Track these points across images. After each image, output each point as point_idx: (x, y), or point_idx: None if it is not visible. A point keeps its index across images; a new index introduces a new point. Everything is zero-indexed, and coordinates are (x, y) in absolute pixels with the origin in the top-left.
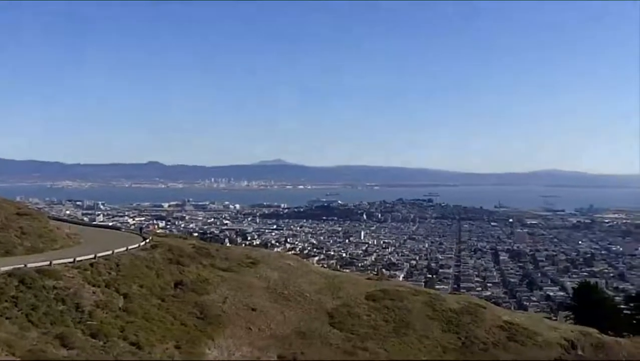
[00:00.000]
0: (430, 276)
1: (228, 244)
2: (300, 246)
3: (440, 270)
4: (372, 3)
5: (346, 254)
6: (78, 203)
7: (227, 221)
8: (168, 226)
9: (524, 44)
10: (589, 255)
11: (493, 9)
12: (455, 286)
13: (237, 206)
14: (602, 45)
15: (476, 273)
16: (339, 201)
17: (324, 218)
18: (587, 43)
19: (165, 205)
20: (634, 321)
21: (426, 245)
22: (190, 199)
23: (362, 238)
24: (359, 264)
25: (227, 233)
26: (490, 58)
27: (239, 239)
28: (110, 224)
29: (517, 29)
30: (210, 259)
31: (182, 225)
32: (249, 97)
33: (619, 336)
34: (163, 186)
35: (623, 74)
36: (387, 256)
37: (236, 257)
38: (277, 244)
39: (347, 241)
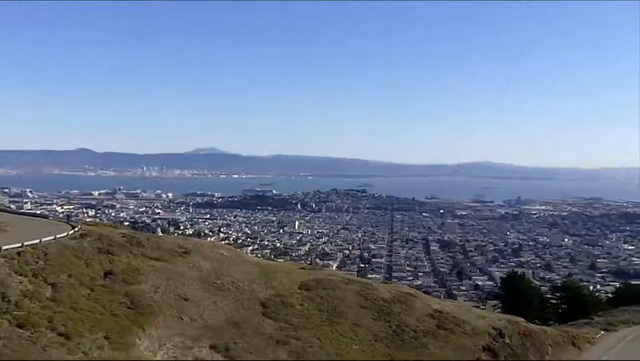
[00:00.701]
0: (362, 265)
1: (160, 234)
2: (234, 236)
3: (373, 260)
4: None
5: (280, 244)
6: (5, 190)
7: (159, 210)
8: (98, 215)
9: (457, 39)
10: (516, 246)
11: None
12: (387, 275)
13: (170, 195)
14: (527, 42)
15: (408, 262)
16: (274, 191)
17: (259, 207)
18: (516, 39)
19: (95, 193)
20: (560, 310)
21: (359, 235)
22: (122, 188)
23: (296, 227)
24: (293, 254)
25: (159, 222)
26: (424, 51)
27: (171, 229)
28: (38, 212)
29: (454, 31)
30: (142, 249)
31: (113, 214)
32: (183, 85)
33: (545, 324)
34: (93, 174)
35: (547, 68)
36: (320, 246)
37: (168, 246)
38: (211, 233)
39: (281, 231)
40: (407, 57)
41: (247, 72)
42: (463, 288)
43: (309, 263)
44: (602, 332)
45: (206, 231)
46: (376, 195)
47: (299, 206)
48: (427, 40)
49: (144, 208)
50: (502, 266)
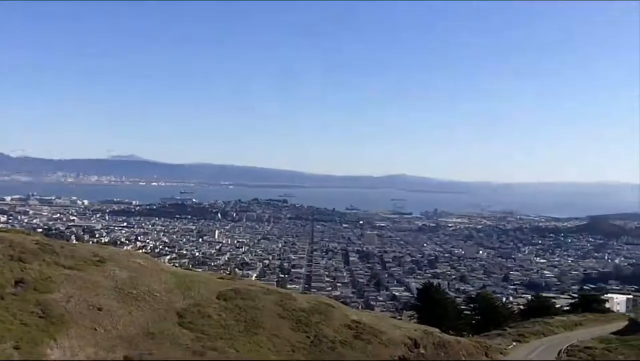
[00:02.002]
0: (282, 275)
1: (74, 242)
2: (151, 245)
3: (293, 270)
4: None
5: (199, 253)
6: None
7: (74, 218)
8: (10, 221)
9: (372, 46)
10: (433, 257)
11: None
12: (307, 285)
13: (86, 201)
14: (443, 58)
15: (327, 273)
16: (194, 199)
17: (178, 216)
18: (433, 52)
19: (7, 198)
20: (473, 321)
21: (280, 245)
22: (35, 193)
23: (216, 237)
24: (212, 264)
25: (73, 229)
26: (341, 61)
27: (86, 237)
28: None
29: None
30: (55, 257)
31: (26, 220)
32: (102, 89)
33: (460, 335)
34: (7, 178)
35: (460, 83)
36: (240, 256)
37: (82, 255)
38: (127, 242)
39: (200, 240)
40: (329, 67)
41: (167, 78)
42: (381, 298)
43: (228, 272)
44: (514, 343)
45: (123, 240)
46: (297, 205)
47: (219, 215)
48: (344, 51)
49: (58, 215)
50: (418, 277)
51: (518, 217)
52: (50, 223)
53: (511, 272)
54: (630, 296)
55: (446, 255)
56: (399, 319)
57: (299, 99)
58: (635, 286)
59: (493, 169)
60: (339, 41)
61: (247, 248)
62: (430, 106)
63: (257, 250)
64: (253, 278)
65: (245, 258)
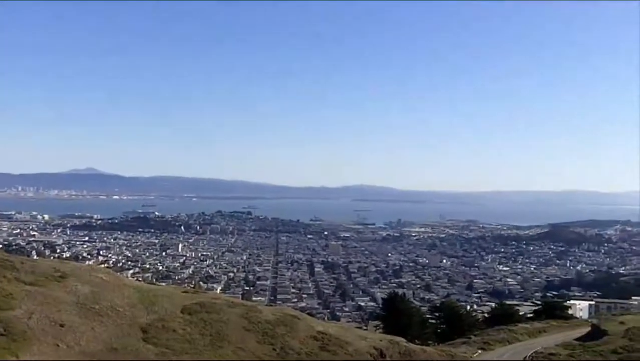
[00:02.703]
0: (247, 288)
1: (35, 257)
2: (114, 259)
3: (258, 282)
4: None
5: (163, 267)
6: None
7: (34, 233)
8: None
9: (327, 52)
10: (397, 267)
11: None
12: (272, 297)
13: (46, 216)
14: (402, 64)
15: (292, 284)
16: (156, 213)
17: (140, 229)
18: (392, 60)
19: None
20: (439, 330)
21: (244, 257)
22: None
23: (179, 250)
24: (176, 277)
25: (34, 244)
26: (294, 71)
27: (47, 252)
28: None
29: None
30: (15, 273)
31: None
32: (60, 101)
33: (425, 344)
34: None
35: (419, 90)
36: (205, 269)
37: (43, 270)
38: (89, 257)
39: (164, 253)
40: (289, 76)
41: (124, 90)
42: (346, 309)
43: (192, 286)
44: (479, 351)
45: (84, 254)
46: (261, 217)
47: (182, 228)
48: (300, 59)
49: (18, 230)
50: (383, 287)
51: (480, 225)
52: (10, 238)
53: (475, 280)
54: (593, 302)
55: (410, 264)
56: (365, 329)
57: (258, 111)
58: (597, 293)
59: (454, 178)
60: (293, 52)
61: (211, 260)
62: (388, 115)
63: (222, 263)
64: (218, 291)
65: (209, 271)
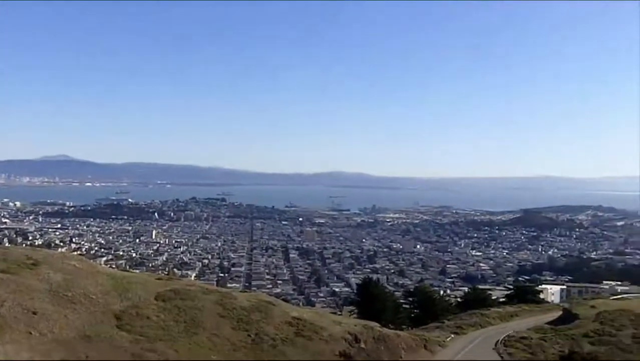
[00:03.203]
0: (222, 274)
1: (7, 244)
2: (86, 246)
3: (233, 269)
4: None
5: (136, 254)
6: None
7: (6, 220)
8: None
9: (300, 42)
10: (372, 253)
11: None
12: (247, 284)
13: (18, 203)
14: (373, 49)
15: (267, 270)
16: (129, 200)
17: (113, 216)
18: (367, 46)
19: None
20: (412, 315)
21: (219, 244)
22: None
23: (153, 237)
24: (150, 265)
25: (6, 232)
26: (270, 59)
27: (19, 239)
28: None
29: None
30: None
31: None
32: (31, 87)
33: (399, 329)
34: None
35: (394, 78)
36: (179, 256)
37: (15, 258)
38: (62, 244)
39: (137, 240)
40: (263, 64)
41: (97, 75)
42: (321, 294)
43: (166, 273)
44: (452, 335)
45: (57, 242)
46: (236, 203)
47: (156, 215)
48: (278, 47)
49: None
50: (358, 272)
51: (454, 211)
52: None
53: (448, 265)
54: (564, 287)
55: (385, 250)
56: (340, 315)
57: (233, 96)
58: (569, 277)
59: (429, 164)
60: (271, 39)
61: (185, 247)
62: (365, 103)
63: (196, 249)
64: (192, 277)
65: (183, 257)
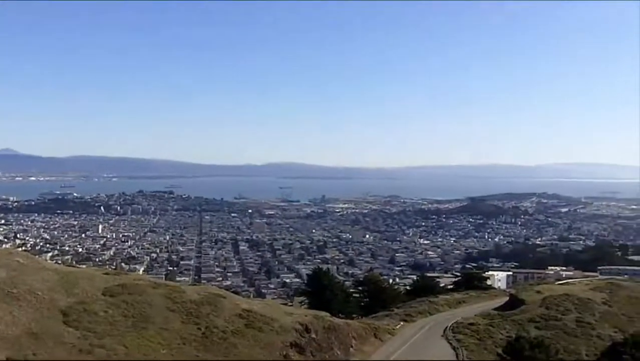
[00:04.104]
0: (171, 268)
1: None
2: (31, 242)
3: (182, 262)
4: None
5: (83, 249)
6: None
7: None
8: None
9: (245, 32)
10: (321, 243)
11: None
12: (197, 277)
13: None
14: (338, 40)
15: (217, 263)
16: (75, 194)
17: (58, 211)
18: (327, 36)
19: None
20: (362, 304)
21: (167, 237)
22: None
23: (99, 231)
24: (97, 259)
25: None
26: (213, 49)
27: None
28: None
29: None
30: None
31: None
32: None
33: (349, 318)
34: None
35: (353, 69)
36: (126, 250)
37: None
38: (6, 240)
39: (83, 235)
40: (213, 58)
41: (39, 68)
42: (272, 286)
43: (114, 268)
44: (402, 323)
45: (0, 238)
46: (184, 196)
47: (102, 209)
48: (225, 36)
49: None
50: (308, 263)
51: (402, 200)
52: None
53: (397, 254)
54: (510, 273)
55: (334, 240)
56: (290, 305)
57: (180, 87)
58: (515, 263)
59: (380, 154)
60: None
61: (133, 241)
62: (313, 92)
63: (144, 243)
64: (140, 272)
65: (131, 252)
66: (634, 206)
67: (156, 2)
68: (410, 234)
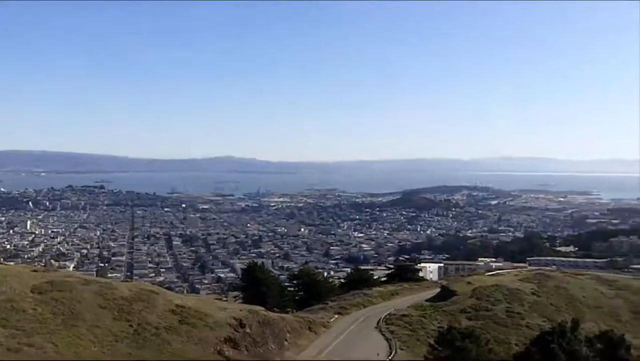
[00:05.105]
0: (102, 264)
1: None
2: None
3: (113, 258)
4: None
5: (10, 245)
6: None
7: None
8: None
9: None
10: (256, 237)
11: None
12: (129, 273)
13: None
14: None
15: (150, 259)
16: (2, 189)
17: None
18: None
19: None
20: (297, 297)
21: (98, 233)
22: None
23: (28, 227)
24: (25, 256)
25: None
26: (159, 43)
27: None
28: None
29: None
30: None
31: None
32: None
33: (284, 312)
34: None
35: (279, 63)
36: (56, 246)
37: None
38: None
39: (11, 231)
40: (145, 48)
41: None
42: (206, 281)
43: (43, 264)
44: (336, 316)
45: None
46: (115, 191)
47: (30, 204)
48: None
49: None
50: (243, 257)
51: (337, 194)
52: None
53: (332, 247)
54: (442, 265)
55: (269, 234)
56: (225, 300)
57: (116, 81)
58: (446, 255)
59: (323, 148)
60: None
61: (62, 237)
62: (252, 86)
63: (74, 239)
64: (71, 268)
65: (61, 248)
66: (562, 199)
67: None
68: (345, 227)
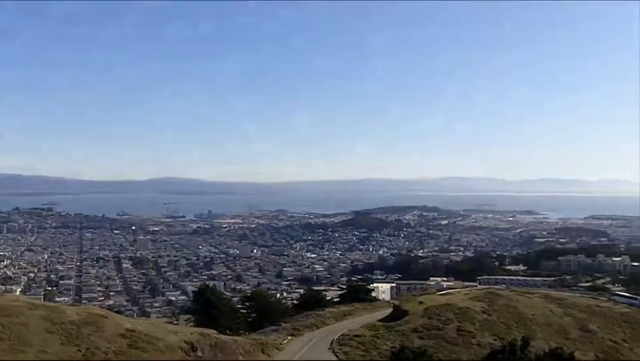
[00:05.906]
0: (50, 288)
1: None
2: None
3: (61, 282)
4: None
5: None
6: None
7: None
8: None
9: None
10: (208, 259)
11: None
12: (77, 297)
13: None
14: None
15: (99, 282)
16: None
17: None
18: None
19: None
20: (250, 319)
21: (46, 256)
22: None
23: None
24: None
25: None
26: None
27: None
28: None
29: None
30: None
31: None
32: None
33: (236, 334)
34: None
35: (229, 79)
36: (2, 270)
37: None
38: None
39: None
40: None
41: None
42: (156, 304)
43: None
44: (289, 337)
45: None
46: (63, 213)
47: None
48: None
49: None
50: (195, 280)
51: (289, 215)
52: None
53: (285, 268)
54: (394, 284)
55: (222, 256)
56: (176, 324)
57: (59, 103)
58: (398, 275)
59: (261, 169)
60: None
61: (9, 261)
62: (189, 103)
63: (21, 263)
64: (17, 292)
65: (7, 272)
66: (510, 218)
67: None
68: (298, 248)
